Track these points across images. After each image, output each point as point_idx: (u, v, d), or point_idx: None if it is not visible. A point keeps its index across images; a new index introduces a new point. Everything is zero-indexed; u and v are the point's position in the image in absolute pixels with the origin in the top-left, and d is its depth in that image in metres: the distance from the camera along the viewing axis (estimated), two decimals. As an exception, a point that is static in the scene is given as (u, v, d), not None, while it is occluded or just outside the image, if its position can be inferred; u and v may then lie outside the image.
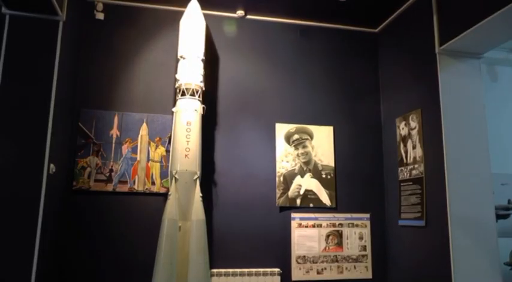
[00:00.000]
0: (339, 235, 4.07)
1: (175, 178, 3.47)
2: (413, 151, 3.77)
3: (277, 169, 4.06)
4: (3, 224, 2.77)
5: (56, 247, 3.43)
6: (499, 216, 3.74)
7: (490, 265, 3.28)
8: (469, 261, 3.24)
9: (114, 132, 3.84)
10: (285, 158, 4.10)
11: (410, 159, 3.81)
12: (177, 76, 3.71)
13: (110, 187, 3.74)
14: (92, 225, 3.67)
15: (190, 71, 3.66)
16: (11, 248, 2.77)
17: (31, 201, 2.86)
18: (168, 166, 3.77)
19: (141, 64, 4.02)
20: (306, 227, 4.02)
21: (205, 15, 3.90)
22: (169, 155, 3.74)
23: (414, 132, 3.77)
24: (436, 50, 3.53)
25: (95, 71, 3.92)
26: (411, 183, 3.77)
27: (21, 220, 2.82)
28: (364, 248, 4.11)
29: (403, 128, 3.95)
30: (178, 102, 3.65)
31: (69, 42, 3.45)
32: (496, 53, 4.30)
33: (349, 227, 4.11)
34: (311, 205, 4.07)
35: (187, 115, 3.57)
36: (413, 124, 3.80)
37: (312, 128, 4.21)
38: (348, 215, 4.13)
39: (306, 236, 4.00)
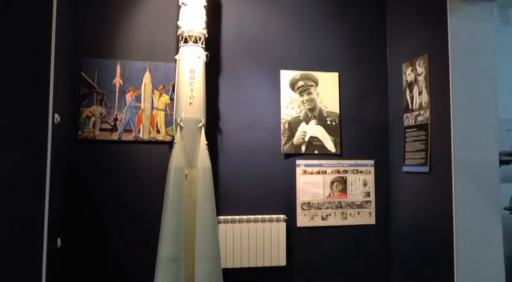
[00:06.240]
0: (343, 181, 4.12)
1: (180, 126, 3.46)
2: (420, 97, 3.73)
3: (282, 116, 4.05)
4: (11, 175, 2.79)
5: (65, 197, 3.49)
6: (501, 162, 3.75)
7: (490, 209, 3.32)
8: (470, 206, 3.28)
9: (117, 81, 3.80)
10: (290, 105, 4.07)
11: (416, 106, 3.78)
12: (179, 23, 3.62)
13: (115, 136, 3.75)
14: (99, 174, 3.71)
15: (193, 18, 3.55)
16: (20, 202, 2.78)
17: (38, 152, 2.86)
18: (172, 114, 3.77)
19: (142, 11, 3.90)
20: (311, 173, 4.06)
21: (206, -42, 3.74)
22: (173, 103, 3.73)
23: (421, 78, 3.72)
24: (447, -8, 3.41)
25: (94, 19, 3.81)
26: (416, 129, 3.76)
27: (30, 170, 2.84)
28: (368, 194, 4.17)
29: (409, 74, 3.89)
30: (181, 50, 3.57)
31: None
32: (510, -5, 4.15)
33: (353, 173, 4.15)
34: (316, 152, 4.09)
35: (191, 63, 3.52)
36: (420, 70, 3.73)
37: (317, 75, 4.16)
38: (353, 162, 4.16)
39: (311, 182, 4.05)
